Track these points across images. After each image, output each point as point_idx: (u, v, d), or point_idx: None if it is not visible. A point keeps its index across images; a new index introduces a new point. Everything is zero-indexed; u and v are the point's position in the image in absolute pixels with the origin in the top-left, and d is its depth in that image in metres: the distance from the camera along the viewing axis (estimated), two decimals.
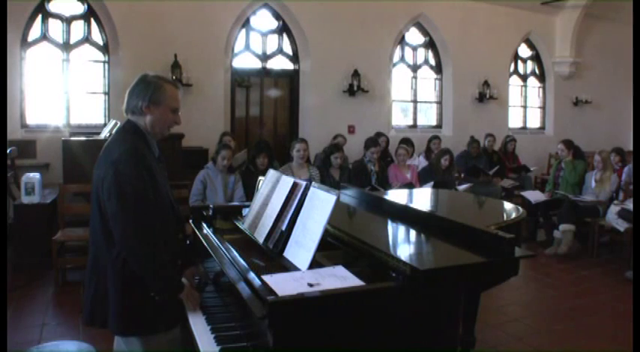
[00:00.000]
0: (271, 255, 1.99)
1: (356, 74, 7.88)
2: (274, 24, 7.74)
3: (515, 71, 9.83)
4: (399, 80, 8.72)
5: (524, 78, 9.97)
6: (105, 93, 6.86)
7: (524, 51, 9.92)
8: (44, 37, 6.54)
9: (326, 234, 1.91)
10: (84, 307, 2.01)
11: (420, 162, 7.24)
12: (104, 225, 1.89)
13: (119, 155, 1.86)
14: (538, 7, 9.30)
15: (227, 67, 7.35)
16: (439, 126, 9.06)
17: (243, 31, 7.55)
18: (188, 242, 2.52)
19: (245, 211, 2.57)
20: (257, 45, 7.68)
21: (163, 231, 1.93)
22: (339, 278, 1.67)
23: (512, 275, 1.92)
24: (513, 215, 2.93)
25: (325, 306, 1.51)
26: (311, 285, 1.59)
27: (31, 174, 5.03)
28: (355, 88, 7.88)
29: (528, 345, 3.48)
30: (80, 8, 6.71)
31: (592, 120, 10.22)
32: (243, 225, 2.33)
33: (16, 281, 4.40)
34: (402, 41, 8.62)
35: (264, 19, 7.69)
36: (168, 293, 1.92)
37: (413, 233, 2.32)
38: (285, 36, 7.81)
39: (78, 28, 6.73)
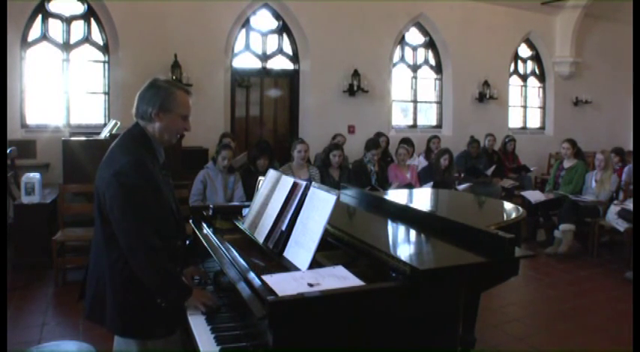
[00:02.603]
0: (271, 255, 1.99)
1: (356, 74, 7.88)
2: (274, 24, 7.75)
3: (515, 71, 9.84)
4: (399, 80, 8.72)
5: (524, 78, 9.97)
6: (105, 93, 6.86)
7: (524, 51, 9.92)
8: (44, 37, 6.54)
9: (326, 233, 1.91)
10: (85, 301, 2.03)
11: (420, 162, 7.24)
12: (104, 229, 1.89)
13: (123, 166, 1.84)
14: (538, 7, 9.31)
15: (227, 66, 7.35)
16: (439, 126, 9.07)
17: (243, 31, 7.55)
18: (188, 242, 2.51)
19: (245, 211, 2.57)
20: (257, 45, 7.68)
21: (164, 239, 1.92)
22: (339, 278, 1.67)
23: (513, 275, 1.92)
24: (513, 215, 2.93)
25: (325, 306, 1.51)
26: (311, 285, 1.59)
27: (31, 174, 5.03)
28: (355, 88, 7.88)
29: (528, 345, 3.48)
30: (80, 8, 6.71)
31: (592, 120, 10.22)
32: (243, 225, 2.33)
33: (16, 281, 4.40)
34: (402, 41, 8.62)
35: (264, 19, 7.69)
36: (178, 298, 1.92)
37: (413, 233, 2.32)
38: (285, 36, 7.81)
39: (78, 28, 6.73)
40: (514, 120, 9.84)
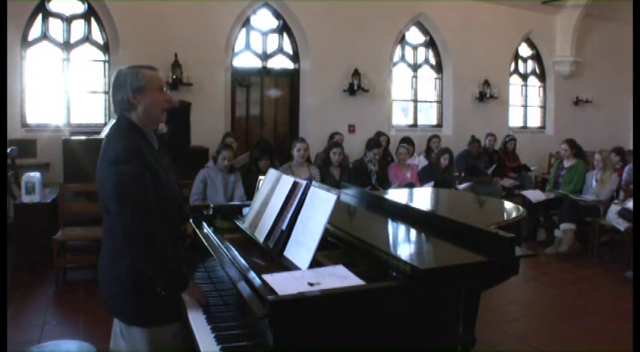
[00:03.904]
0: (271, 255, 1.99)
1: (356, 73, 7.87)
2: (274, 23, 7.74)
3: (516, 70, 9.83)
4: (400, 79, 8.71)
5: (524, 77, 9.97)
6: (105, 92, 6.86)
7: (524, 50, 9.91)
8: (44, 36, 6.54)
9: (326, 233, 1.91)
10: (102, 295, 2.03)
11: (420, 161, 7.24)
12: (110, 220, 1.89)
13: (117, 154, 1.83)
14: (538, 6, 9.30)
15: (227, 66, 7.35)
16: (439, 125, 9.06)
17: (244, 30, 7.55)
18: (188, 241, 2.52)
19: (245, 210, 2.57)
20: (257, 44, 7.67)
21: (168, 224, 1.92)
22: (339, 277, 1.67)
23: (513, 275, 1.92)
24: (514, 214, 2.93)
25: (325, 306, 1.51)
26: (311, 285, 1.59)
27: (32, 174, 5.03)
28: (355, 88, 7.87)
29: (528, 345, 3.48)
30: (80, 7, 6.71)
31: (592, 119, 10.22)
32: (244, 225, 2.33)
33: (16, 281, 4.40)
34: (402, 40, 8.62)
35: (264, 19, 7.69)
36: (176, 287, 1.93)
37: (413, 232, 2.32)
38: (285, 35, 7.81)
39: (78, 28, 6.72)
40: (514, 120, 9.83)
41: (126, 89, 1.94)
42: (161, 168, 1.95)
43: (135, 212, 1.78)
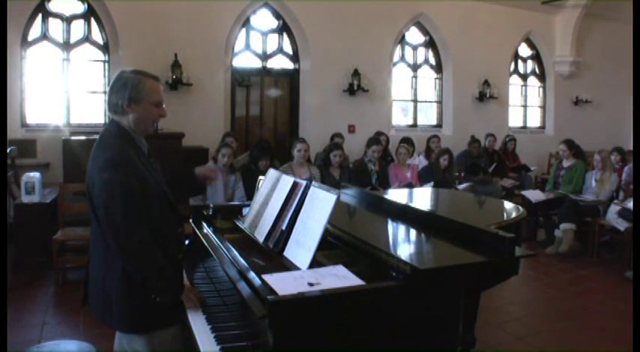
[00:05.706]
0: (271, 255, 1.99)
1: (356, 73, 7.87)
2: (274, 23, 7.74)
3: (516, 70, 9.83)
4: (400, 79, 8.71)
5: (524, 77, 9.97)
6: (105, 92, 6.81)
7: (524, 50, 9.91)
8: (44, 36, 6.53)
9: (326, 233, 1.91)
10: (94, 305, 2.01)
11: (420, 161, 7.24)
12: (100, 229, 1.89)
13: (104, 163, 1.83)
14: (538, 6, 9.30)
15: (227, 66, 7.35)
16: (439, 125, 9.06)
17: (244, 30, 7.55)
18: (188, 241, 2.52)
19: (245, 210, 2.57)
20: (257, 44, 7.67)
21: (161, 229, 1.92)
22: (339, 277, 1.67)
23: (513, 275, 1.92)
24: (513, 214, 2.93)
25: (325, 306, 1.51)
26: (311, 285, 1.60)
27: (32, 174, 5.03)
28: (355, 88, 7.87)
29: (528, 345, 3.49)
30: (80, 7, 6.70)
31: (592, 119, 10.22)
32: (244, 225, 2.33)
33: (16, 281, 4.40)
34: (402, 40, 8.62)
35: (264, 19, 7.68)
36: (170, 294, 1.92)
37: (413, 232, 2.32)
38: (285, 35, 7.81)
39: (78, 28, 6.72)
40: (514, 120, 9.83)
41: (123, 95, 1.93)
42: (150, 173, 1.94)
43: (123, 221, 1.78)
